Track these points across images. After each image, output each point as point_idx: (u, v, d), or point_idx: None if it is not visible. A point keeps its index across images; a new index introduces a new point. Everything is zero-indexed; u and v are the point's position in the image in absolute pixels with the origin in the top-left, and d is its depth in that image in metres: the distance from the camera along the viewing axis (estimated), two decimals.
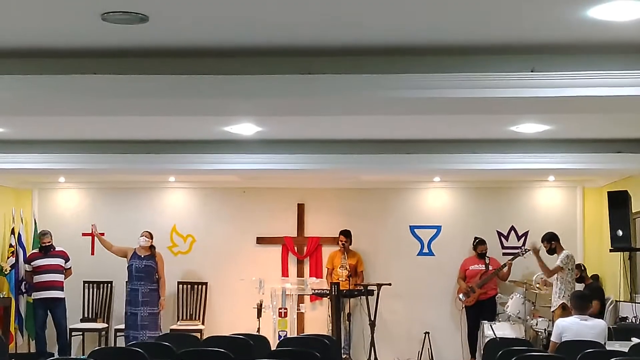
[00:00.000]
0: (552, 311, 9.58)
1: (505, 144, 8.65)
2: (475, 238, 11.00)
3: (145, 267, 10.41)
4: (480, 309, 10.74)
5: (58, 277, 10.70)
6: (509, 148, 8.68)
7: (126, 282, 10.64)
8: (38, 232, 11.00)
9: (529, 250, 10.11)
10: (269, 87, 5.42)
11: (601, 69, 5.22)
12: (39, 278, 10.63)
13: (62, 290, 10.71)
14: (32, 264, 10.71)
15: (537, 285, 10.27)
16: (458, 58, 5.26)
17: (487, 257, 10.90)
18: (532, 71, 5.23)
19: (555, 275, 9.52)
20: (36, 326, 10.69)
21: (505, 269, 10.72)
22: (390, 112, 6.34)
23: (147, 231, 10.66)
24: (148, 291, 10.34)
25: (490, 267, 10.80)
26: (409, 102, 5.61)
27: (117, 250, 10.64)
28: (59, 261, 10.75)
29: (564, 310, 9.15)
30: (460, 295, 10.94)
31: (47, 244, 10.70)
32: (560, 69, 5.23)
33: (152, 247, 10.58)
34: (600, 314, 9.65)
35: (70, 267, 10.88)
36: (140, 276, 10.35)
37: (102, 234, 10.82)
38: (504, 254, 11.06)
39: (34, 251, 10.92)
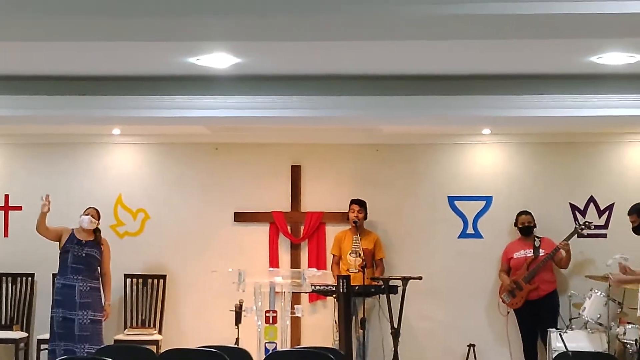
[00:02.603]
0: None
1: (582, 82, 8.62)
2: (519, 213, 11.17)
3: (86, 257, 10.39)
4: (536, 313, 10.87)
5: None
6: (588, 87, 8.65)
7: (54, 274, 10.64)
8: None
9: (588, 225, 10.69)
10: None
11: None
12: None
13: None
14: None
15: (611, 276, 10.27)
16: None
17: (537, 237, 10.96)
18: None
19: None
20: None
21: (561, 252, 10.81)
22: (419, 36, 6.30)
23: (94, 208, 10.63)
24: (88, 289, 10.33)
25: (542, 252, 10.86)
26: (444, 21, 5.60)
27: (51, 232, 10.53)
28: None
29: None
30: (504, 296, 11.06)
31: None
32: None
33: (96, 231, 10.59)
34: None
35: None
36: (78, 268, 10.32)
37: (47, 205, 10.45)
38: (579, 235, 11.06)
39: None
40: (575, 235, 10.82)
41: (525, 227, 11.00)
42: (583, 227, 10.82)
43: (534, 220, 11.06)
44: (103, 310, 10.47)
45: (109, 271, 10.62)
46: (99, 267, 10.49)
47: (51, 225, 10.48)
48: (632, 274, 10.07)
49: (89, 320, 10.27)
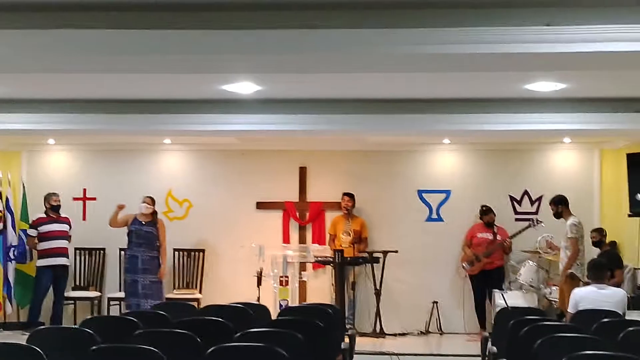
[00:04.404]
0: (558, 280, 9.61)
1: (518, 104, 8.62)
2: (482, 207, 11.05)
3: (146, 233, 10.40)
4: (487, 279, 10.82)
5: (65, 243, 10.90)
6: (523, 108, 8.65)
7: (124, 248, 10.63)
8: (46, 193, 11.00)
9: (540, 221, 10.56)
10: (268, 42, 5.35)
11: (620, 23, 5.13)
12: (47, 245, 10.76)
13: (69, 258, 10.92)
14: (38, 229, 10.81)
15: (546, 252, 10.39)
16: (469, 12, 5.20)
17: (495, 225, 10.96)
18: (547, 25, 5.18)
19: (565, 243, 9.56)
20: (38, 295, 10.78)
21: (509, 242, 10.81)
22: (397, 69, 6.27)
23: (149, 197, 10.62)
24: (148, 258, 10.33)
25: (499, 237, 10.86)
26: (417, 58, 5.56)
27: (120, 221, 10.54)
28: (66, 227, 10.95)
29: (573, 281, 9.19)
30: (464, 264, 11.01)
31: (57, 204, 10.85)
32: (577, 22, 5.16)
33: (154, 213, 10.58)
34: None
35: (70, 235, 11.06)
36: (140, 242, 10.35)
37: (121, 207, 10.56)
38: (516, 219, 11.10)
39: (40, 216, 10.94)
40: (529, 228, 10.73)
41: (491, 222, 10.95)
42: (535, 222, 10.72)
43: (495, 216, 11.01)
44: (159, 273, 10.44)
45: (165, 244, 10.58)
46: (156, 242, 10.47)
47: (120, 217, 10.50)
48: (554, 249, 10.16)
49: (148, 282, 10.27)
